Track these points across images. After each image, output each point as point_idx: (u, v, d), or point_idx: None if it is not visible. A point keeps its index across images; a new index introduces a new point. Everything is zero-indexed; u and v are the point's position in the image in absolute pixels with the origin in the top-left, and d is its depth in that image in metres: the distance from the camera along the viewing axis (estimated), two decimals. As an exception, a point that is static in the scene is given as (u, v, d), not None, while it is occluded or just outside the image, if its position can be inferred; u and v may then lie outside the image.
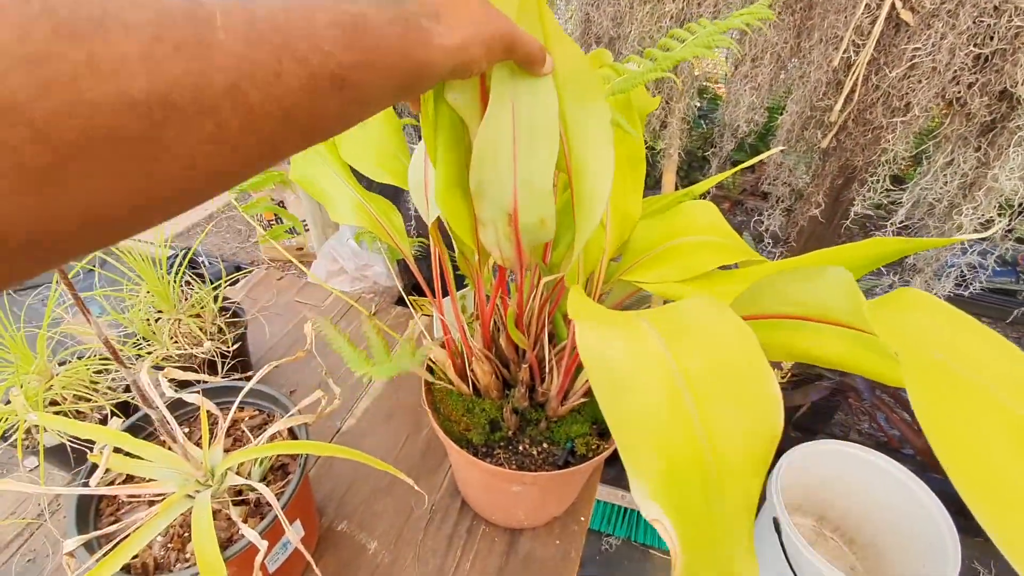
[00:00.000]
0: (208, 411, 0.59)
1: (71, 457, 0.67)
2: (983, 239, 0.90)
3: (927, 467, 1.46)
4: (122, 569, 0.48)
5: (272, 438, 0.60)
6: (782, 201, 1.03)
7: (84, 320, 0.42)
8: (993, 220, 0.86)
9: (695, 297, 0.29)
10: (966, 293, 0.97)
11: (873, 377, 0.43)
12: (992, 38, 0.76)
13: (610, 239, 0.54)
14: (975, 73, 0.78)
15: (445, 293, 0.63)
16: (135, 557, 0.53)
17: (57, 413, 0.67)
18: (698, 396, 0.25)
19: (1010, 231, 0.89)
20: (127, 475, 0.59)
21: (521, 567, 0.68)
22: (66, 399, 0.69)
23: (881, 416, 1.55)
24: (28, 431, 0.68)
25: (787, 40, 0.81)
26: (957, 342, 0.28)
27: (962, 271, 0.94)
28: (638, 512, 1.42)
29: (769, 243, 1.05)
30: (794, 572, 1.16)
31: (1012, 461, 0.22)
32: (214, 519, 0.51)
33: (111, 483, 0.58)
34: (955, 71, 0.78)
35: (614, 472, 1.53)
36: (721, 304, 0.28)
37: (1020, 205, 0.84)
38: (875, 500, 1.28)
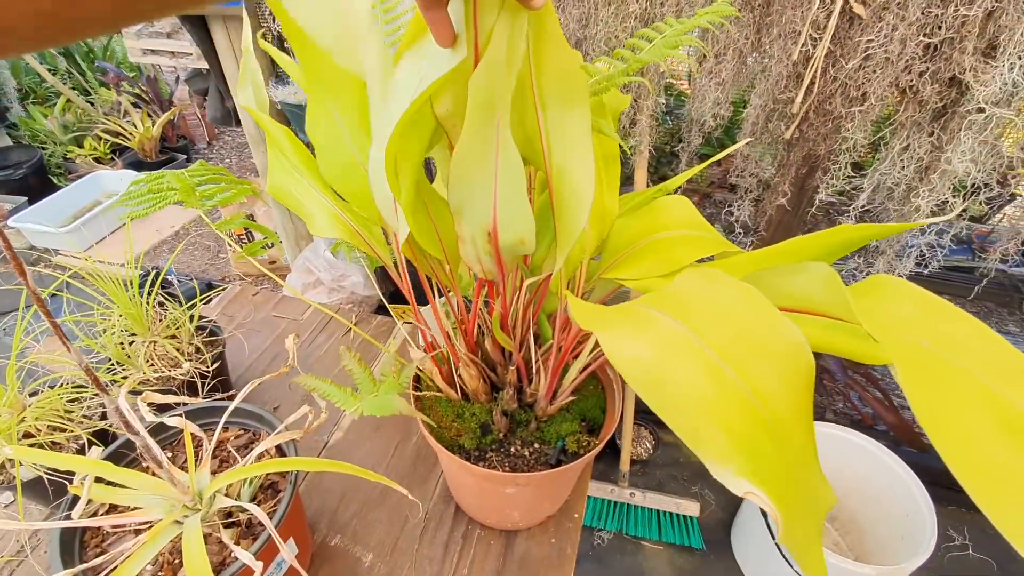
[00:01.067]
0: (192, 434, 0.58)
1: (49, 491, 0.65)
2: (938, 213, 0.94)
3: (900, 442, 1.52)
4: (112, 601, 0.47)
5: (260, 457, 0.59)
6: (750, 192, 1.06)
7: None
8: (948, 201, 0.90)
9: (687, 272, 0.30)
10: (926, 272, 1.01)
11: (848, 356, 0.44)
12: (940, 28, 0.79)
13: (589, 238, 0.55)
14: (925, 62, 0.82)
15: (425, 302, 0.63)
16: (125, 588, 0.51)
17: (32, 445, 0.65)
18: (734, 363, 0.27)
19: (964, 210, 0.93)
20: (110, 505, 0.57)
21: (518, 568, 0.68)
22: (40, 430, 0.66)
23: (854, 395, 1.60)
24: (2, 466, 0.66)
25: (748, 36, 0.84)
26: (937, 328, 0.30)
27: (921, 250, 0.98)
28: (628, 505, 1.44)
29: (740, 233, 1.08)
30: (782, 552, 1.19)
31: (998, 440, 0.23)
32: (205, 543, 0.50)
33: (94, 514, 0.56)
34: (907, 60, 0.81)
35: (602, 467, 1.55)
36: (714, 272, 0.29)
37: (973, 186, 0.88)
38: (853, 477, 1.33)
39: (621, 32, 0.85)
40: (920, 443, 1.57)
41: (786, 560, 1.20)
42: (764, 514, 1.22)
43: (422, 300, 0.64)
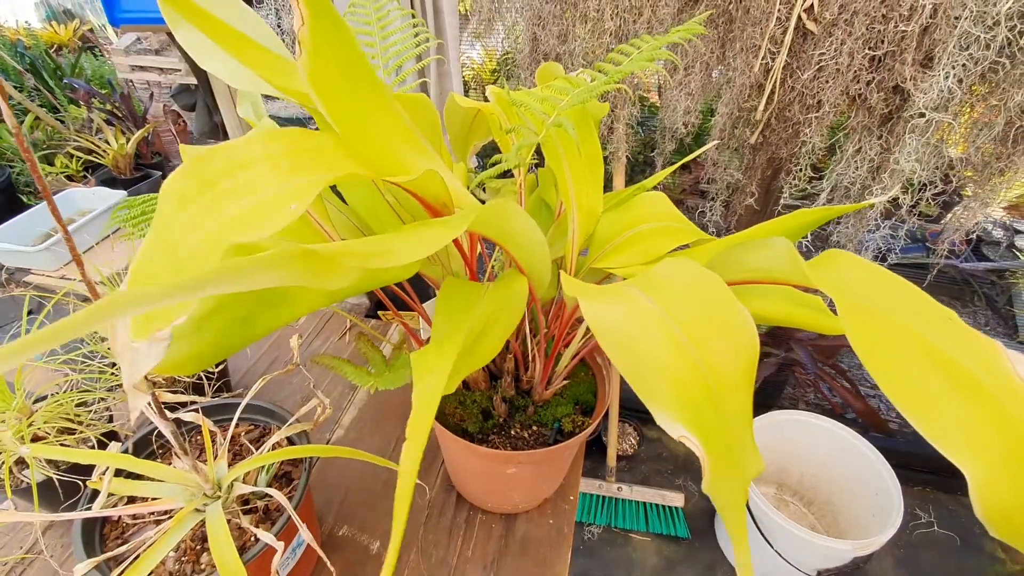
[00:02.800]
0: (208, 429, 0.61)
1: (60, 493, 0.67)
2: (891, 215, 1.03)
3: (868, 428, 1.60)
4: (138, 586, 0.49)
5: (274, 447, 0.62)
6: (720, 194, 1.13)
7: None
8: (900, 197, 0.99)
9: (665, 261, 0.36)
10: (885, 265, 1.09)
11: (808, 327, 0.50)
12: (883, 41, 0.88)
13: (578, 234, 0.60)
14: (872, 72, 0.91)
15: (407, 309, 0.67)
16: (150, 574, 0.54)
17: (44, 448, 0.66)
18: (691, 335, 0.32)
19: (915, 206, 1.02)
20: (128, 498, 0.60)
21: (519, 548, 0.72)
22: (49, 434, 0.68)
23: (825, 386, 1.69)
24: (10, 471, 0.67)
25: (713, 51, 0.91)
26: (878, 289, 0.35)
27: (879, 245, 1.06)
28: (616, 499, 1.49)
29: (713, 232, 1.15)
30: (763, 535, 1.25)
31: (927, 372, 0.29)
32: (227, 528, 0.53)
33: (113, 506, 0.58)
34: (855, 71, 0.90)
35: (591, 463, 1.59)
36: (687, 260, 0.35)
37: (919, 183, 0.97)
38: (827, 461, 1.40)
39: (598, 47, 0.92)
40: (887, 428, 1.66)
41: (768, 544, 1.26)
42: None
43: (405, 307, 0.68)
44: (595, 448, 1.59)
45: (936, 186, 0.99)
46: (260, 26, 0.48)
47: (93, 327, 0.21)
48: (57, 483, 0.66)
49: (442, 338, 0.41)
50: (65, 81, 3.06)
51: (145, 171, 2.81)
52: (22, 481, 0.67)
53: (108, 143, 2.69)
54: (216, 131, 1.27)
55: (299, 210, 0.30)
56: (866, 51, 0.89)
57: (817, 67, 0.90)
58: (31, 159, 0.33)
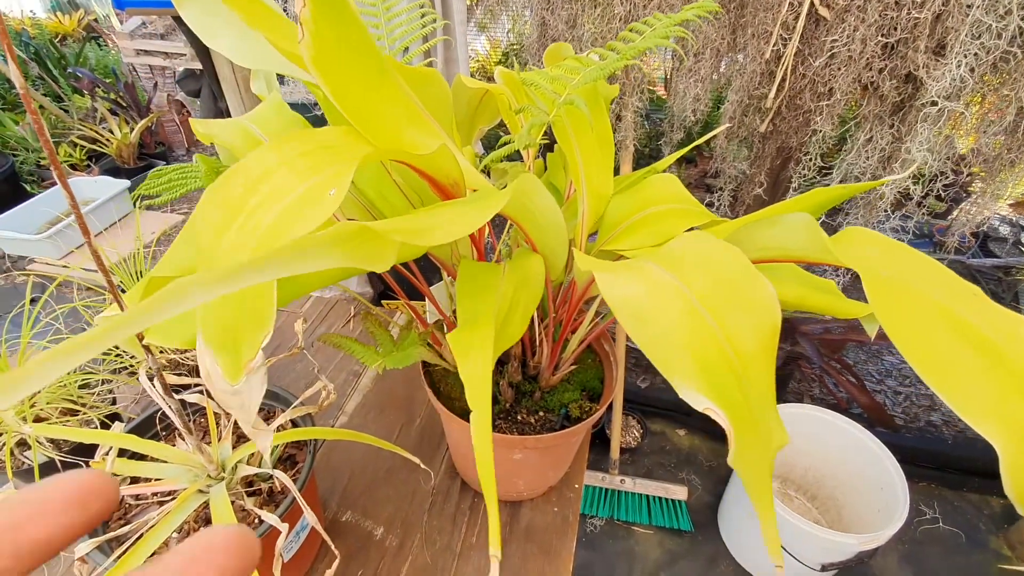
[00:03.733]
0: (212, 410, 0.60)
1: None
2: (902, 206, 1.02)
3: (874, 423, 1.59)
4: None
5: (278, 430, 0.62)
6: (729, 184, 1.12)
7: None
8: (909, 188, 0.98)
9: (682, 235, 0.35)
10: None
11: (821, 311, 0.50)
12: (896, 28, 0.87)
13: (588, 216, 0.59)
14: (884, 60, 0.89)
15: (420, 295, 0.66)
16: (152, 554, 0.53)
17: (46, 429, 0.66)
18: (711, 308, 0.31)
19: (925, 198, 1.01)
20: (131, 478, 0.59)
21: (524, 535, 0.72)
22: (52, 415, 0.68)
23: (830, 380, 1.68)
24: (12, 452, 0.67)
25: (724, 36, 0.90)
26: (900, 263, 0.35)
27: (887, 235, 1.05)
28: (619, 492, 1.48)
29: (720, 223, 1.14)
30: (766, 527, 1.24)
31: (954, 344, 0.28)
32: (231, 509, 0.52)
33: (117, 488, 0.58)
34: (867, 58, 0.88)
35: (594, 456, 1.59)
36: (705, 234, 0.34)
37: (930, 173, 0.95)
38: (832, 456, 1.39)
39: (607, 33, 0.91)
40: (893, 424, 1.65)
41: (770, 536, 1.25)
42: (748, 493, 1.28)
43: (415, 295, 0.67)
44: (598, 441, 1.59)
45: (947, 176, 0.98)
46: (267, -2, 0.47)
47: (158, 319, 0.20)
48: (60, 465, 0.65)
49: (472, 318, 0.40)
50: (69, 71, 3.05)
51: (149, 161, 2.81)
52: (24, 462, 0.67)
53: (112, 132, 2.68)
54: (221, 117, 1.26)
55: (339, 195, 0.30)
56: (879, 38, 0.88)
57: (829, 54, 0.89)
58: (48, 146, 0.32)
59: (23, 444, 0.69)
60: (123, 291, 0.79)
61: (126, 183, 2.38)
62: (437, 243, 0.30)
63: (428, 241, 0.29)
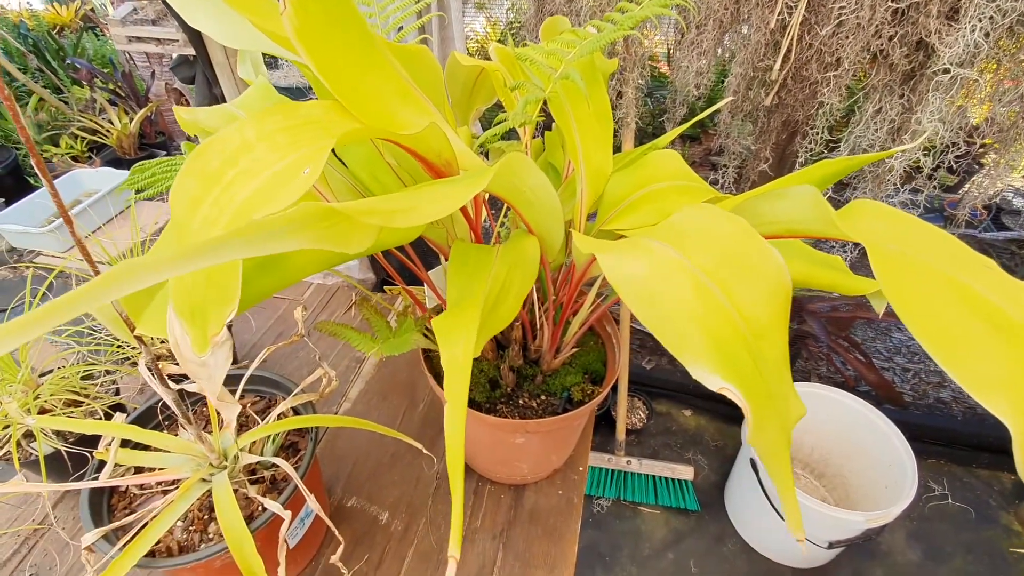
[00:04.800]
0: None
1: (68, 465, 0.67)
2: (911, 178, 0.99)
3: (882, 400, 1.58)
4: (147, 555, 0.49)
5: (279, 418, 0.61)
6: (733, 160, 1.10)
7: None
8: (920, 160, 0.95)
9: (683, 209, 0.33)
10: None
11: (829, 288, 0.48)
12: (906, -7, 0.83)
13: (587, 195, 0.58)
14: (894, 26, 0.86)
15: (420, 281, 0.65)
16: (158, 543, 0.53)
17: (50, 420, 0.66)
18: (718, 282, 0.30)
19: (935, 170, 0.98)
20: (134, 468, 0.59)
21: (528, 518, 0.72)
22: (56, 406, 0.68)
23: (838, 359, 1.66)
24: (18, 444, 0.67)
25: (727, 6, 0.87)
26: (909, 235, 0.33)
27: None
28: (625, 473, 1.49)
29: (725, 201, 1.12)
30: (772, 504, 1.24)
31: (965, 318, 0.27)
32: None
33: (120, 477, 0.58)
34: (877, 25, 0.85)
35: (599, 438, 1.59)
36: (706, 206, 0.33)
37: (942, 144, 0.93)
38: (838, 433, 1.39)
39: (606, 6, 0.88)
40: (901, 401, 1.64)
41: (777, 513, 1.25)
42: (756, 471, 1.28)
43: (417, 281, 0.66)
44: (604, 422, 1.59)
45: (959, 147, 0.95)
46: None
47: (114, 295, 0.20)
48: (65, 455, 0.66)
49: (460, 301, 0.39)
50: (68, 61, 3.03)
51: (149, 150, 2.80)
52: (31, 453, 0.67)
53: (112, 123, 2.67)
54: (216, 103, 1.25)
55: (314, 174, 0.29)
56: (888, 3, 0.84)
57: (837, 22, 0.86)
58: (30, 144, 0.31)
59: (29, 436, 0.69)
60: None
61: (127, 174, 2.37)
62: (415, 224, 0.29)
63: (406, 222, 0.28)
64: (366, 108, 0.39)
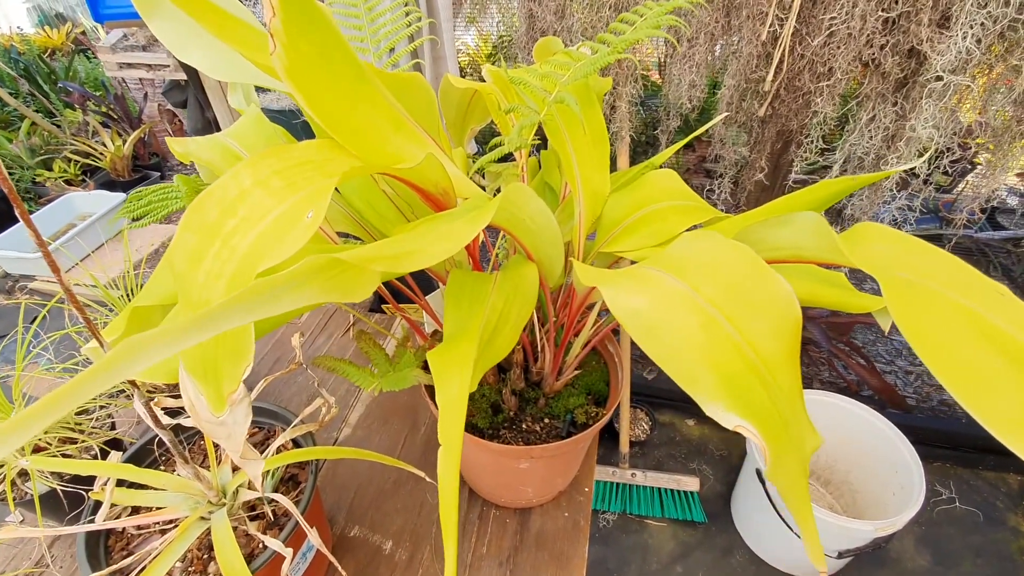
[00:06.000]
0: (209, 432, 0.59)
1: (64, 504, 0.65)
2: (907, 185, 0.99)
3: (885, 404, 1.57)
4: (145, 598, 0.48)
5: (279, 450, 0.60)
6: (728, 171, 1.10)
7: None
8: (916, 167, 0.95)
9: (684, 236, 0.33)
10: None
11: (834, 307, 0.48)
12: (897, 2, 0.84)
13: (585, 217, 0.57)
14: (885, 35, 0.86)
15: (408, 300, 0.65)
16: (156, 585, 0.52)
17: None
18: (727, 314, 0.29)
19: (930, 175, 0.98)
20: (132, 508, 0.58)
21: (535, 542, 0.71)
22: (50, 444, 0.67)
23: (839, 364, 1.66)
24: (13, 483, 0.66)
25: (718, 20, 0.87)
26: (918, 263, 0.33)
27: (893, 216, 1.03)
28: (630, 486, 1.47)
29: (722, 210, 1.12)
30: (779, 514, 1.23)
31: (983, 353, 0.26)
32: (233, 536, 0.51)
33: (117, 517, 0.57)
34: (868, 35, 0.85)
35: (603, 451, 1.58)
36: (709, 233, 0.32)
37: (936, 150, 0.93)
38: (844, 440, 1.38)
39: (597, 22, 0.88)
40: (905, 405, 1.63)
41: (785, 523, 1.24)
42: (762, 481, 1.26)
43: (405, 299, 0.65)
44: (607, 435, 1.58)
45: (954, 152, 0.95)
46: (239, 7, 0.45)
47: (120, 377, 0.19)
48: (61, 493, 0.64)
49: (456, 334, 0.39)
50: (60, 85, 3.03)
51: (143, 172, 2.80)
52: (26, 493, 0.66)
53: (105, 145, 2.67)
54: (209, 127, 1.24)
55: (317, 218, 0.28)
56: (879, 13, 0.85)
57: (828, 32, 0.86)
58: (7, 184, 0.30)
59: (24, 474, 0.68)
60: (112, 311, 0.78)
61: (122, 196, 2.36)
62: (419, 267, 0.28)
63: (410, 267, 0.28)
64: (360, 142, 0.38)
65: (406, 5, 0.69)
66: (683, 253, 0.35)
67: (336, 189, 0.57)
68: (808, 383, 1.72)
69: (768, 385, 0.29)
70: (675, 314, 0.31)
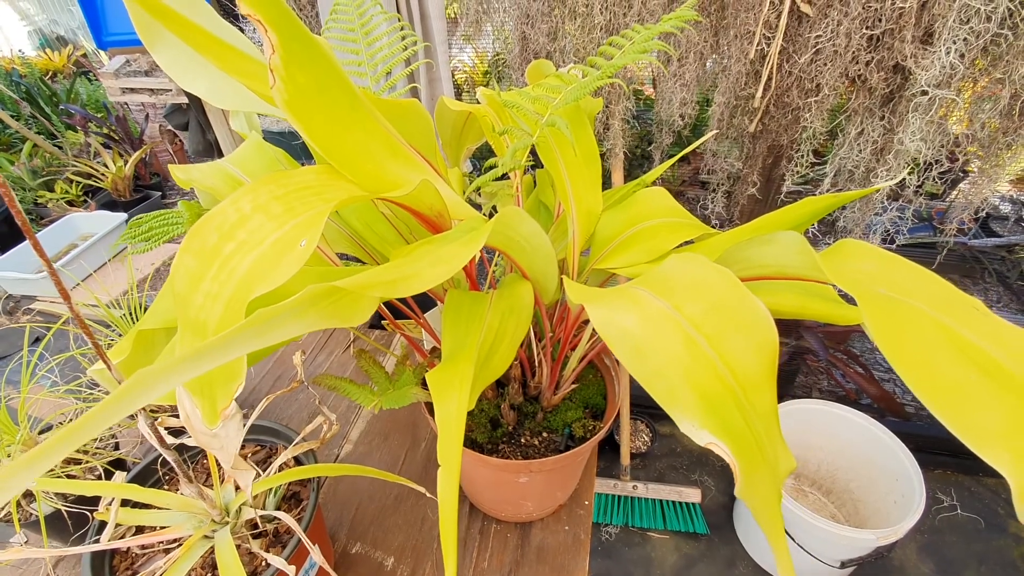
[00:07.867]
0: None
1: (69, 524, 0.66)
2: (898, 196, 1.01)
3: (884, 412, 1.58)
4: (150, 618, 0.48)
5: (281, 468, 0.61)
6: (721, 185, 1.11)
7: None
8: (905, 179, 0.97)
9: (672, 258, 0.34)
10: (893, 247, 1.07)
11: (822, 319, 0.49)
12: (880, 20, 0.86)
13: (578, 235, 0.58)
14: (870, 52, 0.89)
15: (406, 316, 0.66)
16: (160, 605, 0.53)
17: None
18: (707, 335, 0.30)
19: (920, 186, 1.00)
20: (136, 527, 0.59)
21: (536, 556, 0.71)
22: (55, 465, 0.67)
23: (838, 372, 1.66)
24: (18, 504, 0.66)
25: (707, 39, 0.90)
26: (896, 279, 0.34)
27: (886, 227, 1.04)
28: (631, 498, 1.47)
29: (716, 224, 1.14)
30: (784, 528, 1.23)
31: (957, 367, 0.27)
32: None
33: (121, 537, 0.57)
34: (853, 52, 0.88)
35: (604, 463, 1.58)
36: (694, 256, 0.33)
37: (925, 163, 0.95)
38: (843, 449, 1.38)
39: (588, 43, 0.91)
40: (904, 412, 1.64)
41: (790, 537, 1.24)
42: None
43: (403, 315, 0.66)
44: (608, 447, 1.58)
45: (942, 164, 0.97)
46: (240, 38, 0.47)
47: (128, 411, 0.20)
48: (66, 514, 0.65)
49: (454, 354, 0.40)
50: (61, 107, 3.07)
51: (145, 192, 2.82)
52: (31, 514, 0.66)
53: (106, 166, 2.70)
54: (210, 149, 1.27)
55: (310, 246, 0.30)
56: (864, 30, 0.87)
57: (814, 50, 0.88)
58: (10, 197, 0.32)
59: (29, 495, 0.68)
60: (119, 333, 0.79)
61: (123, 216, 2.39)
62: (416, 292, 0.29)
63: (408, 291, 0.29)
64: (357, 169, 0.40)
65: (402, 30, 0.71)
66: (668, 274, 0.36)
67: (336, 211, 0.59)
68: (808, 392, 1.72)
69: (744, 406, 0.29)
70: (659, 335, 0.32)
